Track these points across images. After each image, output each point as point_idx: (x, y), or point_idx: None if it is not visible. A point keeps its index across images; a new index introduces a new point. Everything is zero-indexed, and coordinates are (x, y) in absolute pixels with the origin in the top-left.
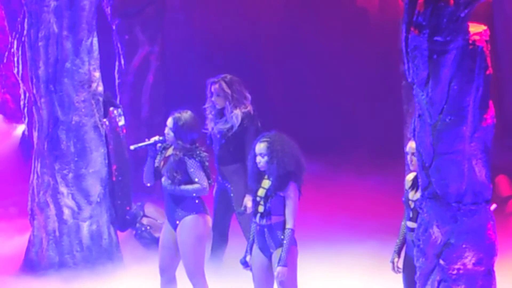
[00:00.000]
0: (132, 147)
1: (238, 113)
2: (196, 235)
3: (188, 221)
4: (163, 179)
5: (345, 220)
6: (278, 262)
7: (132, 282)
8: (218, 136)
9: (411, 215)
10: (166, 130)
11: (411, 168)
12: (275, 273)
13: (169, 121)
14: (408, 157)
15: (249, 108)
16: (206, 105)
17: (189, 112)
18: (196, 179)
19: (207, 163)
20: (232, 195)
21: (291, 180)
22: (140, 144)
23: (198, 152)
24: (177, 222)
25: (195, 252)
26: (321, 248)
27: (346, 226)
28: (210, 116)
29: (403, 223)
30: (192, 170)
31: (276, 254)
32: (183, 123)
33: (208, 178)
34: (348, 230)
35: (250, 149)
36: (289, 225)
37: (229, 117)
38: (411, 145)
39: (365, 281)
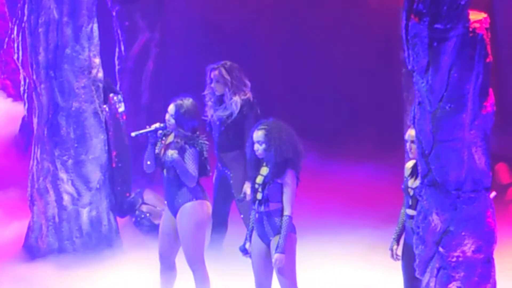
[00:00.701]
0: (133, 134)
1: (237, 100)
2: (196, 221)
3: (188, 208)
4: (169, 152)
5: (344, 208)
6: (276, 249)
7: (131, 269)
8: (218, 123)
9: (410, 202)
10: (167, 117)
11: (411, 156)
12: (273, 260)
13: (171, 108)
14: (408, 144)
15: (249, 95)
16: (206, 92)
17: (190, 100)
18: (189, 168)
19: (206, 154)
20: (231, 182)
21: (288, 167)
22: (141, 131)
23: (199, 141)
24: (177, 209)
25: (194, 239)
26: (317, 235)
27: (345, 214)
28: (209, 103)
29: (402, 210)
30: (188, 158)
31: (274, 241)
32: (184, 110)
33: (205, 168)
34: (346, 218)
35: (249, 136)
36: (286, 212)
37: (229, 104)
38: (410, 133)
39: (362, 268)
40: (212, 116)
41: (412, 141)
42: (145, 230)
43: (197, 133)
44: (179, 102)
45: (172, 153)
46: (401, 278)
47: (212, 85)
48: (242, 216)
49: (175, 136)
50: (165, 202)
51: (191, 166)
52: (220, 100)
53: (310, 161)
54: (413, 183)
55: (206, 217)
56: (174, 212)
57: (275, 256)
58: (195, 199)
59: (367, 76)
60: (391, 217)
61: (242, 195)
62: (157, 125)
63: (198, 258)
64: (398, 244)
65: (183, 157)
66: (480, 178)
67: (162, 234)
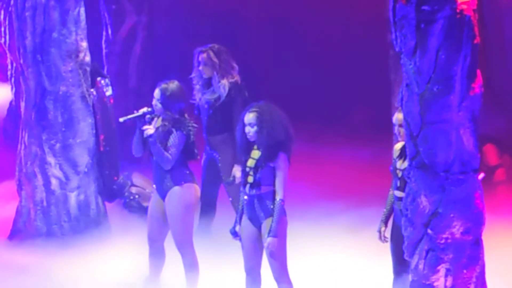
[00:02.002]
0: (121, 119)
1: (225, 83)
2: (185, 204)
3: (177, 191)
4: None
5: (331, 190)
6: (269, 233)
7: (120, 253)
8: (206, 106)
9: (398, 184)
10: (154, 102)
11: (399, 139)
12: (265, 244)
13: (156, 93)
14: (396, 128)
15: (236, 78)
16: (193, 75)
17: (175, 82)
18: (169, 150)
19: (193, 137)
20: (220, 165)
21: (280, 150)
22: (129, 116)
23: (186, 125)
24: (166, 192)
25: (183, 222)
26: (305, 219)
27: (332, 196)
28: (197, 86)
29: (390, 192)
30: (172, 140)
31: (266, 224)
32: (170, 93)
33: (193, 152)
34: (332, 201)
35: (238, 119)
36: (279, 196)
37: (217, 87)
38: (398, 117)
39: (347, 253)
40: (200, 99)
41: (400, 125)
42: (134, 212)
43: (185, 115)
44: (164, 85)
45: (147, 128)
46: (389, 261)
47: (200, 68)
48: (231, 199)
49: (163, 120)
50: (154, 185)
51: (172, 150)
52: (208, 83)
53: (299, 144)
54: (402, 164)
55: (194, 200)
56: (163, 196)
57: (268, 240)
58: (184, 182)
59: (355, 59)
60: (379, 199)
61: (231, 178)
62: (144, 109)
63: (186, 241)
64: (386, 226)
65: (168, 140)
66: (468, 159)
67: (150, 217)
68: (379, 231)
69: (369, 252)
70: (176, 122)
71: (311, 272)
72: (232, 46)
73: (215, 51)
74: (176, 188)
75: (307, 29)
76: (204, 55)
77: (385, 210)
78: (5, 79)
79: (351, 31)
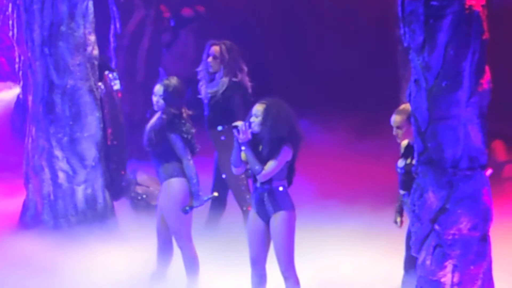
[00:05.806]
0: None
1: (225, 81)
2: (173, 199)
3: (167, 185)
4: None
5: (336, 187)
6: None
7: (127, 247)
8: (206, 100)
9: (400, 181)
10: (155, 98)
11: (398, 141)
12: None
13: (158, 89)
14: (394, 130)
15: (239, 78)
16: (200, 68)
17: (175, 78)
18: (183, 157)
19: (188, 136)
20: (218, 160)
21: (283, 145)
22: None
23: (178, 125)
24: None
25: (176, 216)
26: (311, 216)
27: (336, 193)
28: (203, 80)
29: None
30: (176, 146)
31: (275, 219)
32: (172, 89)
33: (192, 150)
34: (337, 197)
35: (238, 117)
36: (264, 167)
37: (217, 82)
38: (395, 119)
39: (354, 255)
40: (205, 93)
41: (398, 127)
42: (142, 211)
43: (183, 111)
44: (166, 81)
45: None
46: (399, 258)
47: (209, 60)
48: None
49: (162, 113)
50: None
51: (183, 152)
52: (212, 78)
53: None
54: (401, 163)
55: (182, 194)
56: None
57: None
58: (171, 177)
59: (363, 54)
60: (385, 196)
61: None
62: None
63: (183, 236)
64: (401, 215)
65: (169, 143)
66: (476, 155)
67: (158, 210)
68: (395, 222)
69: (379, 249)
70: (170, 123)
71: (312, 270)
72: (241, 43)
73: (227, 46)
74: (166, 182)
75: (317, 25)
76: (217, 48)
77: (398, 201)
78: (12, 72)
79: (360, 27)
